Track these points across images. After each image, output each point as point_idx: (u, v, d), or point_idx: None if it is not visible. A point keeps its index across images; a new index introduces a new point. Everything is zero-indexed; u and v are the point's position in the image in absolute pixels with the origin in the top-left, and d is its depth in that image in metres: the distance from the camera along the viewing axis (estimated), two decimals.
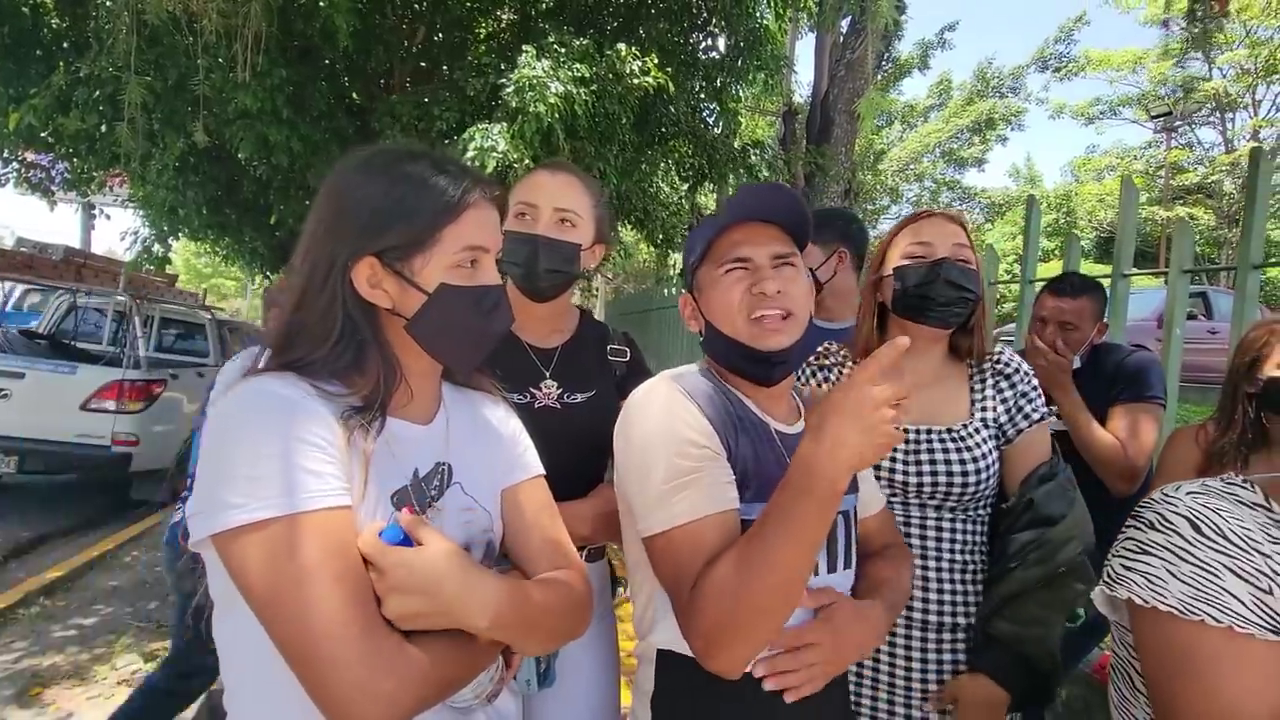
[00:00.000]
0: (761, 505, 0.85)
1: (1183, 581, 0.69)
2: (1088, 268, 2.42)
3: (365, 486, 0.76)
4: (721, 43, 6.54)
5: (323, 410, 0.74)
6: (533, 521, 0.94)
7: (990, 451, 1.20)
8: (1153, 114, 17.93)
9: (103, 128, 5.00)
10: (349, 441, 0.75)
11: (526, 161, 4.25)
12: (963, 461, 1.17)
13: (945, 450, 1.18)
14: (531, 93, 4.23)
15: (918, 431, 1.20)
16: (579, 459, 1.27)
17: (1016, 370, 1.27)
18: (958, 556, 1.19)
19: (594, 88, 4.83)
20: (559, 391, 1.33)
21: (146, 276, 6.89)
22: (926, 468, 1.18)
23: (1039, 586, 1.12)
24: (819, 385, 1.34)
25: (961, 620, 1.19)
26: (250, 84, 4.41)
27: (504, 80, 4.52)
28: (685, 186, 7.24)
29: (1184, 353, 2.35)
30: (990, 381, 1.26)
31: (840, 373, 1.34)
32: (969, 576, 1.20)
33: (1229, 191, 16.24)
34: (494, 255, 0.88)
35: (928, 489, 1.17)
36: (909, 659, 1.18)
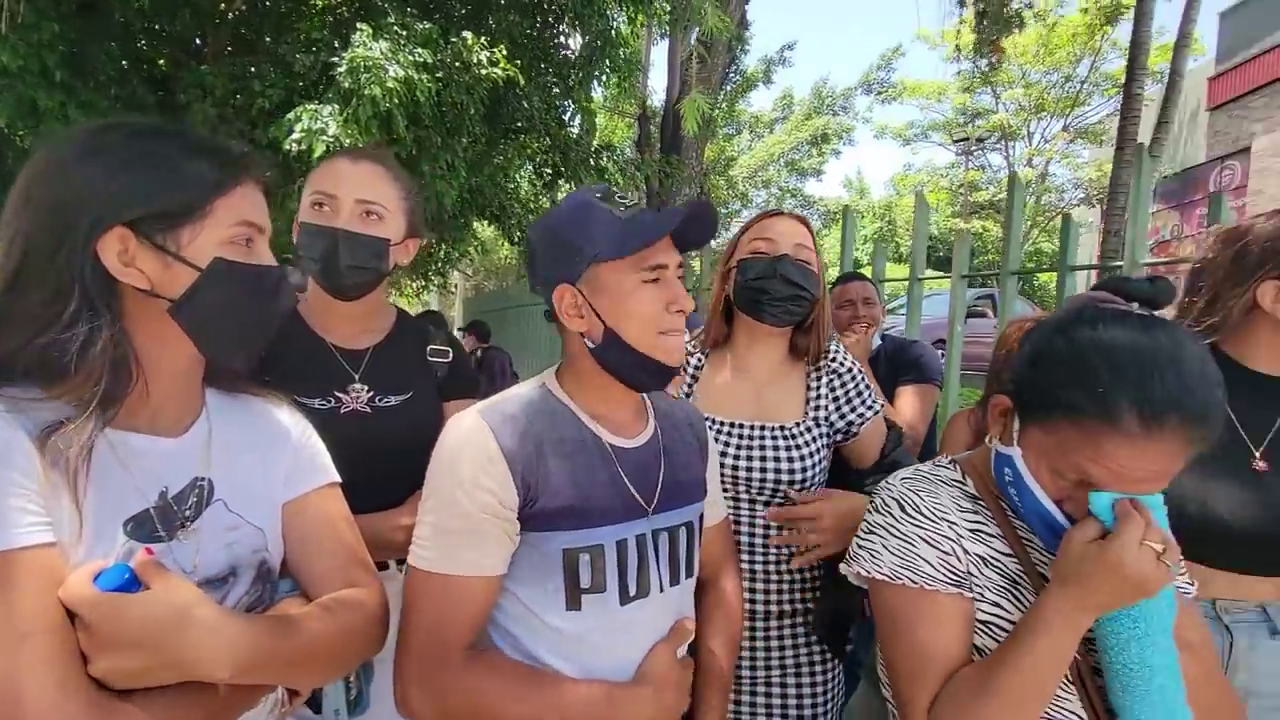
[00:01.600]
0: (586, 531, 0.86)
1: (892, 553, 0.84)
2: (901, 270, 2.80)
3: (81, 516, 0.64)
4: (574, 41, 6.55)
5: (8, 429, 0.62)
6: (319, 536, 0.86)
7: (819, 450, 1.26)
8: (954, 139, 20.73)
9: None
10: (50, 463, 0.63)
11: (362, 147, 3.97)
12: (791, 459, 1.22)
13: (776, 447, 1.22)
14: (367, 74, 3.95)
15: (752, 428, 1.25)
16: (394, 464, 1.19)
17: (849, 370, 1.33)
18: (785, 549, 1.25)
19: (439, 75, 4.62)
20: (369, 395, 1.24)
21: None
22: (757, 464, 1.21)
23: None
24: (683, 366, 1.34)
25: (797, 606, 1.25)
26: (9, 38, 3.70)
27: (336, 59, 4.18)
28: (541, 184, 7.17)
29: (976, 346, 2.73)
30: (825, 381, 1.31)
31: (688, 361, 1.35)
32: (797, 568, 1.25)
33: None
34: (267, 239, 0.81)
35: (757, 484, 1.21)
36: (753, 651, 1.23)
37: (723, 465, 1.21)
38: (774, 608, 1.24)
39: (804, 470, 1.22)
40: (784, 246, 1.24)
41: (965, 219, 19.15)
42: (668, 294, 0.90)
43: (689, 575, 0.99)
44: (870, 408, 1.32)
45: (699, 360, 1.35)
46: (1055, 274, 2.33)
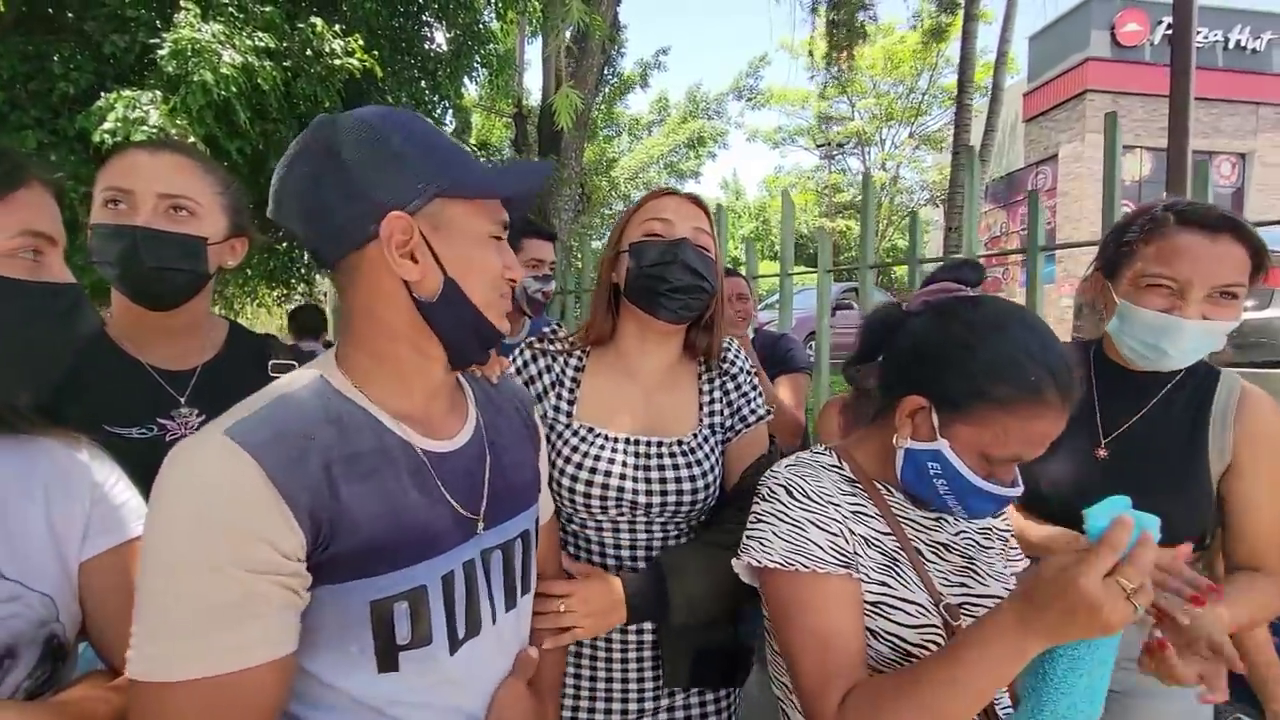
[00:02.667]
0: (402, 572, 0.67)
1: (782, 539, 0.82)
2: (773, 267, 2.96)
3: None
4: (440, 35, 6.26)
5: None
6: (125, 599, 0.67)
7: (717, 461, 1.13)
8: (817, 144, 22.26)
9: None
10: None
11: (193, 139, 3.53)
12: (692, 477, 1.08)
13: (675, 465, 1.08)
14: (196, 58, 3.51)
15: (647, 444, 1.09)
16: None
17: (741, 370, 1.20)
18: None
19: (287, 64, 4.22)
20: (202, 419, 1.09)
21: None
22: (656, 485, 1.06)
23: (723, 552, 1.02)
24: (536, 375, 1.14)
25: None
26: None
27: (158, 40, 3.69)
28: None
29: (844, 336, 2.88)
30: (718, 384, 1.18)
31: (566, 360, 1.16)
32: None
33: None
34: (61, 251, 0.68)
35: (656, 507, 1.06)
36: (625, 673, 1.10)
37: (606, 486, 1.06)
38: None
39: (705, 488, 1.09)
40: (682, 229, 1.07)
41: (830, 218, 20.56)
42: (507, 256, 0.76)
43: (527, 592, 0.84)
44: (755, 413, 1.19)
45: (579, 361, 1.15)
46: (907, 266, 2.51)
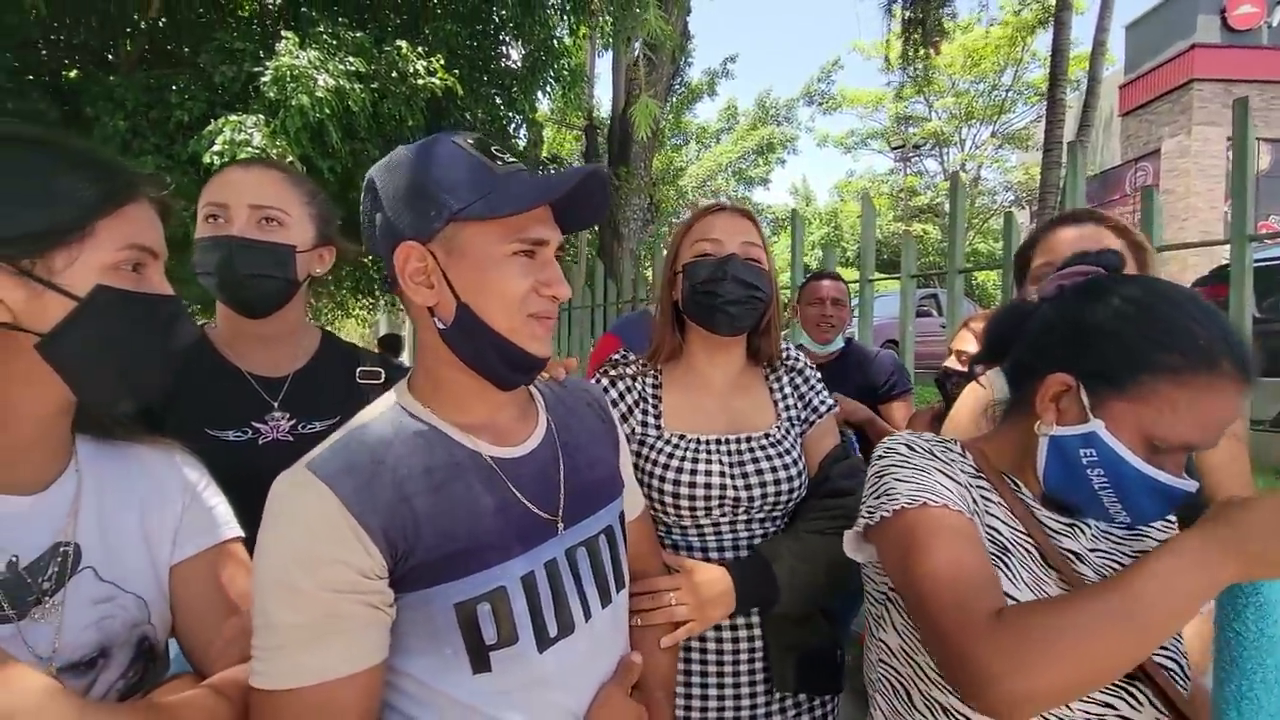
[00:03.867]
0: (481, 575, 0.69)
1: (905, 483, 0.75)
2: (849, 274, 2.86)
3: None
4: (515, 52, 6.45)
5: None
6: (211, 603, 0.74)
7: (800, 453, 1.17)
8: (892, 146, 21.52)
9: None
10: None
11: (291, 159, 3.76)
12: (785, 466, 1.12)
13: (768, 457, 1.12)
14: (294, 84, 3.76)
15: (737, 441, 1.13)
16: None
17: (806, 367, 1.26)
18: None
19: (374, 86, 4.45)
20: (291, 423, 1.14)
21: None
22: (754, 479, 1.10)
23: (819, 538, 1.07)
24: (619, 398, 1.18)
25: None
26: None
27: (261, 69, 3.97)
28: None
29: (923, 345, 2.74)
30: (785, 380, 1.24)
31: (643, 380, 1.20)
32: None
33: (948, 211, 19.93)
34: (162, 264, 0.70)
35: (757, 501, 1.09)
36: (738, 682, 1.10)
37: (708, 486, 1.09)
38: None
39: (796, 476, 1.12)
40: (731, 245, 1.13)
41: (907, 222, 19.82)
42: (543, 274, 0.73)
43: (621, 588, 0.84)
44: (825, 404, 1.24)
45: (654, 379, 1.21)
46: (997, 271, 2.36)
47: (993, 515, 0.77)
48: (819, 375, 1.27)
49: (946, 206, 20.09)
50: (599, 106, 11.95)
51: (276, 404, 1.14)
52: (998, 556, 0.74)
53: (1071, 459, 0.73)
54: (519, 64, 6.42)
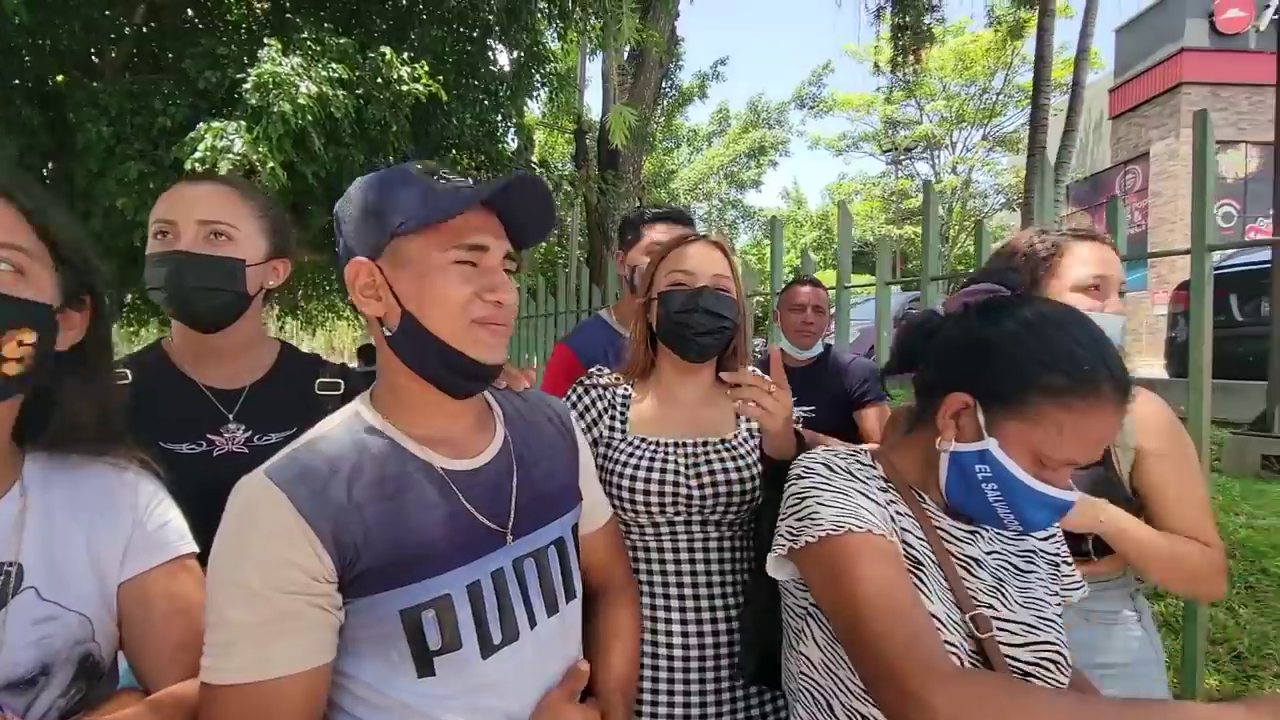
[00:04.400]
0: (426, 583, 0.72)
1: (828, 507, 0.77)
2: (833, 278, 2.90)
3: None
4: (503, 56, 6.48)
5: None
6: (158, 619, 0.74)
7: (756, 461, 1.22)
8: (883, 149, 21.62)
9: None
10: None
11: (272, 165, 3.77)
12: (739, 469, 1.17)
13: (722, 460, 1.18)
14: (276, 90, 3.76)
15: (694, 444, 1.20)
16: None
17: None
18: (737, 576, 1.17)
19: (359, 92, 4.46)
20: (247, 435, 1.15)
21: None
22: (707, 479, 1.16)
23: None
24: (589, 406, 1.26)
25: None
26: None
27: (244, 75, 3.98)
28: None
29: None
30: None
31: (614, 391, 1.28)
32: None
33: (940, 214, 20.02)
34: (40, 265, 0.69)
35: (709, 501, 1.15)
36: (698, 681, 1.14)
37: (663, 484, 1.15)
38: (723, 648, 1.14)
39: (751, 480, 1.18)
40: (703, 277, 1.20)
41: (898, 225, 19.90)
42: (485, 280, 0.76)
43: (570, 598, 0.87)
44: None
45: (625, 390, 1.29)
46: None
47: (906, 530, 0.80)
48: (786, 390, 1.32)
49: (940, 209, 20.20)
50: (589, 110, 11.99)
51: (232, 416, 1.15)
52: (914, 572, 0.77)
53: (969, 473, 0.76)
54: (507, 69, 6.45)
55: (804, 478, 0.83)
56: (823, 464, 0.83)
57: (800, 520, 0.79)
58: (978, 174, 20.87)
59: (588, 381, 1.31)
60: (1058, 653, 0.80)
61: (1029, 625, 0.80)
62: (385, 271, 0.76)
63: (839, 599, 0.74)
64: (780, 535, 0.83)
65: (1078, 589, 0.91)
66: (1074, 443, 0.71)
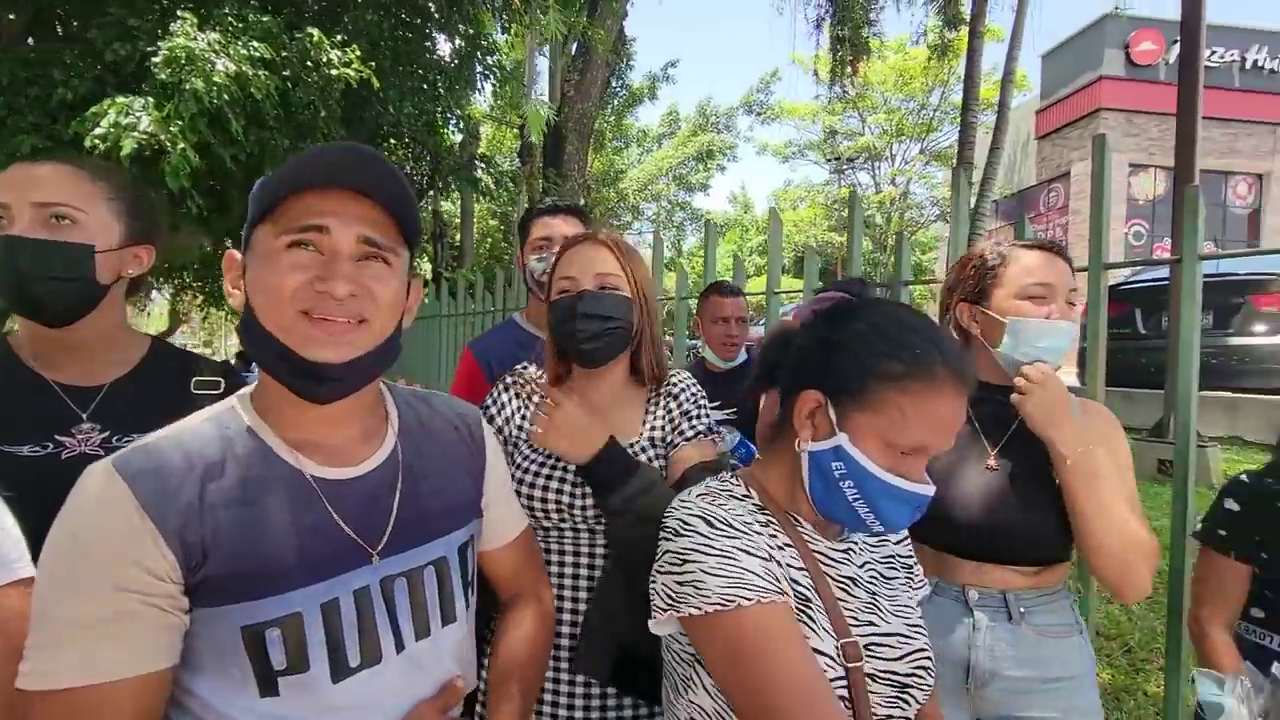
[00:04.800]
0: (276, 599, 0.66)
1: (714, 576, 0.74)
2: (785, 282, 2.95)
3: None
4: (444, 46, 6.31)
5: None
6: None
7: (655, 467, 1.17)
8: (827, 158, 22.23)
9: None
10: None
11: (183, 146, 3.54)
12: None
13: None
14: (189, 66, 3.53)
15: None
16: None
17: (685, 390, 1.25)
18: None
19: (286, 73, 4.24)
20: (103, 435, 1.05)
21: None
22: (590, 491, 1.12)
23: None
24: (503, 406, 1.24)
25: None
26: None
27: (155, 49, 3.72)
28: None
29: None
30: (661, 403, 1.24)
31: (534, 396, 1.23)
32: None
33: (879, 223, 20.75)
34: None
35: (590, 510, 1.11)
36: (583, 692, 1.12)
37: (554, 489, 1.13)
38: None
39: None
40: (585, 281, 1.16)
41: (840, 233, 20.48)
42: (324, 269, 0.68)
43: (449, 621, 0.80)
44: (694, 428, 1.23)
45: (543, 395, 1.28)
46: (912, 287, 2.46)
47: (790, 565, 0.79)
48: (700, 401, 1.27)
49: (879, 218, 20.91)
50: (540, 106, 11.81)
51: (86, 416, 1.05)
52: (803, 611, 0.76)
53: (827, 472, 0.77)
54: (448, 59, 6.28)
55: (682, 535, 0.78)
56: (701, 518, 0.78)
57: (683, 585, 0.76)
58: (915, 186, 21.72)
59: (509, 379, 1.27)
60: (928, 658, 0.81)
61: (902, 635, 0.81)
62: (246, 262, 0.72)
63: (735, 679, 0.72)
64: (660, 594, 0.79)
65: (921, 589, 0.94)
66: (919, 425, 0.73)
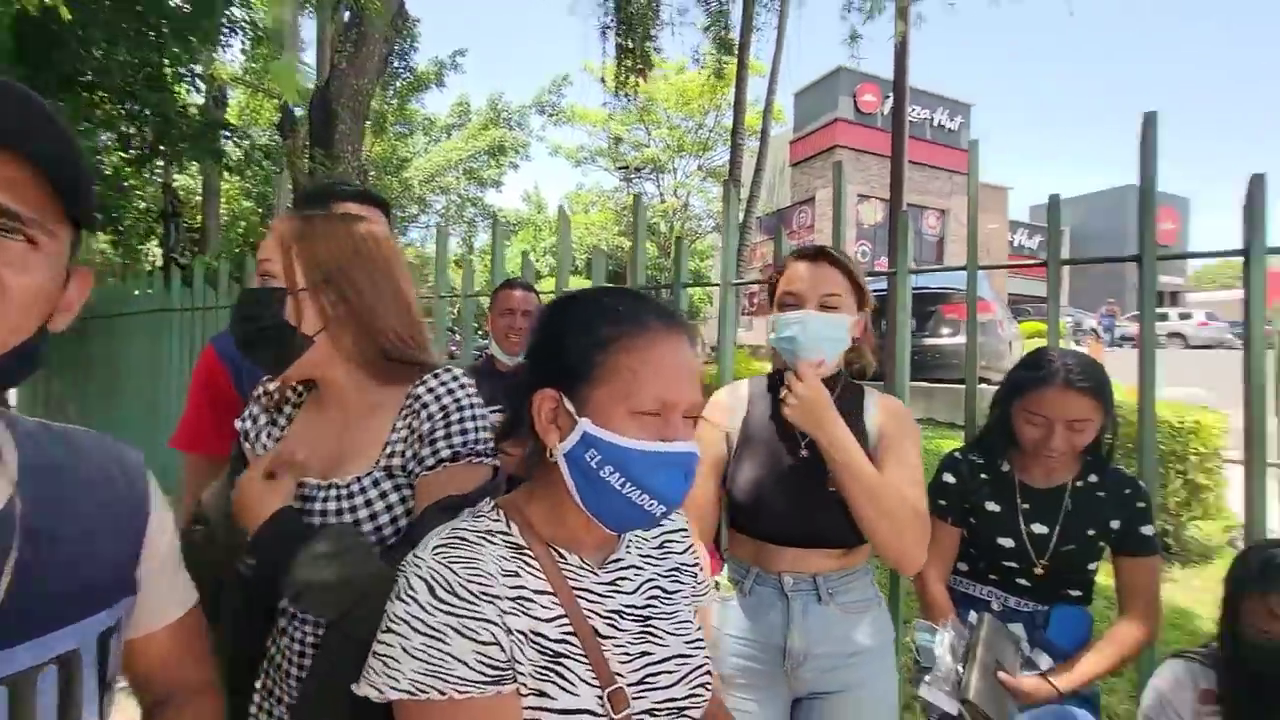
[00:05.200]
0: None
1: (414, 657, 0.65)
2: (575, 282, 2.87)
3: None
4: None
5: None
6: None
7: (390, 506, 0.95)
8: (617, 166, 23.18)
9: None
10: None
11: None
12: (357, 520, 0.93)
13: (325, 511, 0.94)
14: None
15: (315, 488, 0.95)
16: None
17: (435, 400, 0.97)
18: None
19: None
20: None
21: None
22: (318, 519, 0.93)
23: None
24: (257, 415, 1.08)
25: None
26: None
27: None
28: (130, 159, 5.57)
29: None
30: (407, 420, 0.98)
31: (284, 404, 1.05)
32: None
33: (663, 231, 22.16)
34: None
35: None
36: None
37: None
38: None
39: (361, 521, 0.93)
40: (255, 280, 1.04)
41: (628, 237, 21.47)
42: None
43: None
44: (436, 455, 0.95)
45: (297, 398, 1.07)
46: (687, 289, 2.60)
47: (536, 615, 0.71)
48: (456, 415, 0.98)
49: (663, 226, 22.33)
50: (308, 77, 10.46)
51: None
52: (550, 666, 0.69)
53: (587, 469, 0.72)
54: (180, 3, 5.24)
55: (401, 600, 0.68)
56: (426, 581, 0.68)
57: (384, 658, 0.66)
58: (694, 199, 23.61)
59: (258, 391, 1.10)
60: (707, 673, 0.80)
61: (681, 656, 0.79)
62: None
63: None
64: (370, 659, 0.68)
65: (706, 593, 0.93)
66: (652, 380, 0.71)
